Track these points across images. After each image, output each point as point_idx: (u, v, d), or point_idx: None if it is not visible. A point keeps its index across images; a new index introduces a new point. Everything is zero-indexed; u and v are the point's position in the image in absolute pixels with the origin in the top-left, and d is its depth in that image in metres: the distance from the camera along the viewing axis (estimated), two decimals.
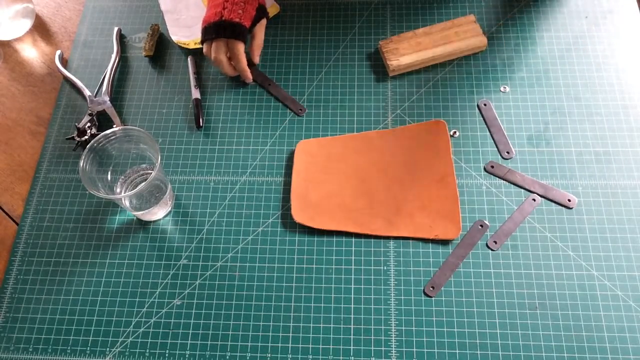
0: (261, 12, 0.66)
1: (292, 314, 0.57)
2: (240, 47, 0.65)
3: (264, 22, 0.68)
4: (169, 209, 0.63)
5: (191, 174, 0.65)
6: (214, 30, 0.63)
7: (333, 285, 0.58)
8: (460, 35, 0.69)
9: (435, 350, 0.54)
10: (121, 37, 0.75)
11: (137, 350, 0.56)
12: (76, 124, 0.67)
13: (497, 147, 0.64)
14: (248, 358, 0.55)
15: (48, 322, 0.58)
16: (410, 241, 0.59)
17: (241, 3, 0.63)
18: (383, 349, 0.54)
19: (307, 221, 0.60)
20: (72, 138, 0.67)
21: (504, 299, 0.56)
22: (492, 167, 0.63)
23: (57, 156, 0.67)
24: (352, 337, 0.55)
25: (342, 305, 0.57)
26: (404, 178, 0.62)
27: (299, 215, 0.61)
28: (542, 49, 0.70)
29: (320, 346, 0.55)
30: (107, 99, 0.69)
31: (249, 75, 0.67)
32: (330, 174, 0.63)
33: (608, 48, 0.69)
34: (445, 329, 0.55)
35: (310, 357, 0.54)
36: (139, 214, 0.61)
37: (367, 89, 0.69)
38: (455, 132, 0.65)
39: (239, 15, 0.63)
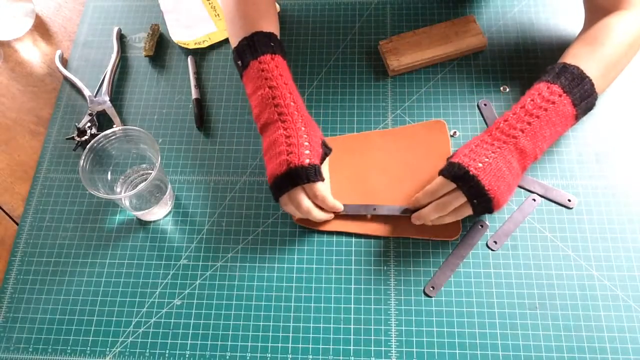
0: (325, 147, 0.59)
1: (292, 314, 0.57)
2: (322, 187, 0.57)
3: (327, 159, 0.61)
4: (169, 209, 0.63)
5: (191, 174, 0.65)
6: (288, 181, 0.55)
7: (333, 285, 0.58)
8: (460, 35, 0.69)
9: (435, 350, 0.54)
10: (121, 37, 0.75)
11: (137, 350, 0.56)
12: (76, 124, 0.67)
13: None
14: (248, 358, 0.55)
15: (48, 322, 0.58)
16: (410, 241, 0.59)
17: (305, 144, 0.56)
18: (383, 349, 0.54)
19: (307, 221, 0.60)
20: (72, 138, 0.67)
21: (504, 299, 0.56)
22: None
23: (57, 156, 0.67)
24: (352, 337, 0.55)
25: (342, 305, 0.57)
26: (404, 178, 0.62)
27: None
28: (542, 49, 0.70)
29: (320, 346, 0.55)
30: (107, 99, 0.69)
31: (340, 206, 0.59)
32: (330, 174, 0.63)
33: None
34: (445, 329, 0.55)
35: (310, 357, 0.54)
36: (139, 214, 0.61)
37: (367, 89, 0.69)
38: (455, 132, 0.65)
39: (308, 156, 0.55)
